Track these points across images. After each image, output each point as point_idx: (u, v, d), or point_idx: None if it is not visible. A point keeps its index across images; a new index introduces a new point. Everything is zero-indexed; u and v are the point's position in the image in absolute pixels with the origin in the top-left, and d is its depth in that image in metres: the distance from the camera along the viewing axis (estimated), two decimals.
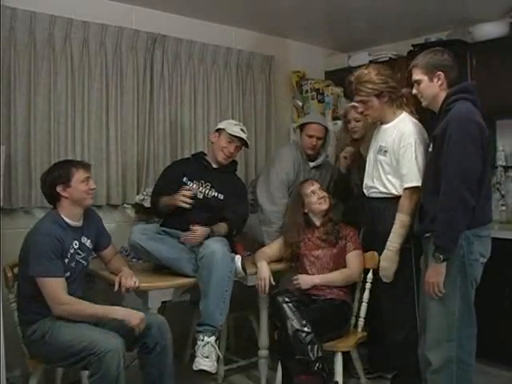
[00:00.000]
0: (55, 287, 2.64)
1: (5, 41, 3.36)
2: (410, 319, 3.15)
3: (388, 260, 3.07)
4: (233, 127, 3.49)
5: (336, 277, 3.30)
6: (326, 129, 3.85)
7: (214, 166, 3.52)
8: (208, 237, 3.20)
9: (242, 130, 3.51)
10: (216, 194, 3.44)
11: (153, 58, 4.02)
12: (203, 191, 3.43)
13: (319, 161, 3.89)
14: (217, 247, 3.04)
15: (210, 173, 3.49)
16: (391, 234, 3.07)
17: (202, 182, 3.44)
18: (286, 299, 3.05)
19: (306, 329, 2.93)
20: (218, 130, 3.52)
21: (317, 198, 3.41)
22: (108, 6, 3.84)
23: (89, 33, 3.69)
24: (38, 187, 3.40)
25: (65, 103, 3.62)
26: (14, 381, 3.34)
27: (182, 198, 3.22)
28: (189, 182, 3.42)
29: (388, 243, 3.07)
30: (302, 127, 3.87)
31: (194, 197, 3.33)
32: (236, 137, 3.46)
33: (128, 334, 2.69)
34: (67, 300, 2.67)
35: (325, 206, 3.41)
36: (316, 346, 2.91)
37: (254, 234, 3.82)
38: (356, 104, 3.63)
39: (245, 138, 3.51)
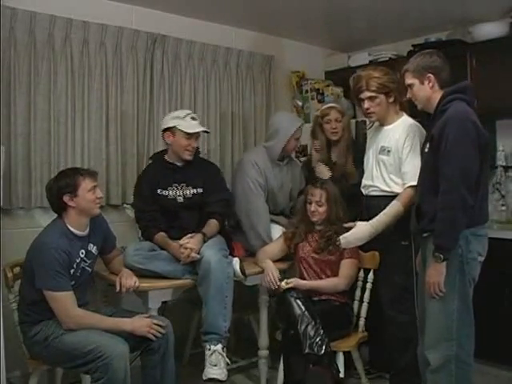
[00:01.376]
0: (65, 301, 2.64)
1: (5, 41, 3.35)
2: (409, 317, 3.16)
3: (361, 233, 3.08)
4: (184, 122, 3.29)
5: (322, 285, 3.28)
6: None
7: (179, 164, 3.40)
8: (204, 241, 3.15)
9: (193, 118, 3.34)
10: (195, 191, 3.38)
11: (153, 58, 4.02)
12: (181, 193, 3.36)
13: (288, 158, 3.84)
14: (211, 254, 3.01)
15: (179, 172, 3.39)
16: (381, 215, 3.09)
17: (176, 185, 3.36)
18: (295, 295, 3.04)
19: (315, 324, 2.92)
20: (170, 129, 3.31)
21: (310, 209, 3.38)
22: (108, 6, 3.83)
23: (89, 33, 3.68)
24: (38, 187, 3.44)
25: (65, 103, 3.62)
26: (14, 381, 3.33)
27: (186, 259, 3.06)
28: (164, 192, 3.34)
29: (373, 220, 3.08)
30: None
31: (174, 202, 3.32)
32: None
33: (132, 336, 2.70)
34: (77, 313, 2.67)
35: (313, 219, 3.38)
36: (326, 341, 2.90)
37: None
38: (335, 105, 3.67)
39: (201, 130, 3.35)
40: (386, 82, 3.19)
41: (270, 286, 3.27)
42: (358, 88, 3.24)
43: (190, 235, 3.13)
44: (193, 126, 3.31)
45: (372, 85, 3.18)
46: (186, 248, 3.06)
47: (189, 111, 3.42)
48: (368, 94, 3.20)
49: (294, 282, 3.20)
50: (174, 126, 3.30)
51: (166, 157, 3.43)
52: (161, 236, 3.24)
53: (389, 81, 3.20)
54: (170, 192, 3.35)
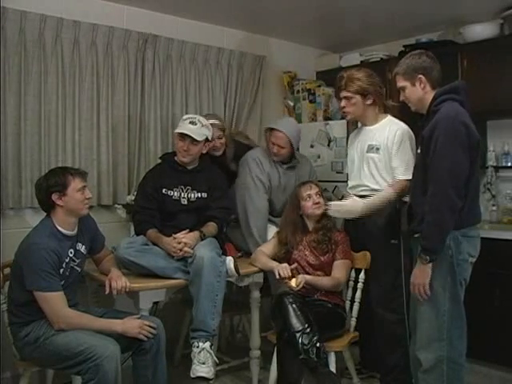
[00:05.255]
0: (55, 302, 2.63)
1: None
2: (397, 316, 3.17)
3: (353, 207, 3.18)
4: (181, 124, 3.35)
5: (324, 281, 3.26)
6: (289, 138, 3.63)
7: (188, 167, 3.42)
8: (202, 239, 3.19)
9: (191, 122, 3.34)
10: (199, 195, 3.40)
11: (144, 58, 4.01)
12: (186, 196, 3.37)
13: (293, 162, 3.79)
14: (204, 252, 3.02)
15: (187, 175, 3.41)
16: (374, 197, 3.17)
17: (182, 187, 3.38)
18: (291, 299, 3.01)
19: (311, 330, 2.89)
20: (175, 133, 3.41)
21: (312, 203, 3.38)
22: (99, 6, 3.82)
23: (79, 32, 3.67)
24: (29, 187, 3.42)
25: (55, 103, 3.60)
26: (4, 382, 3.32)
27: (178, 252, 3.10)
28: (169, 192, 3.35)
29: (367, 199, 3.17)
30: (269, 131, 3.72)
31: (178, 203, 3.34)
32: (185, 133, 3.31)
33: (123, 337, 2.70)
34: (68, 314, 2.66)
35: (318, 212, 3.38)
36: (321, 347, 2.88)
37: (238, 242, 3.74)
38: (215, 121, 3.67)
39: (189, 132, 3.29)
40: (364, 83, 3.23)
41: (285, 275, 3.21)
42: (339, 87, 3.32)
43: (186, 231, 3.18)
44: (182, 128, 3.33)
45: (349, 85, 3.24)
46: (179, 242, 3.09)
47: (192, 116, 3.46)
48: (344, 93, 3.27)
49: (303, 279, 3.17)
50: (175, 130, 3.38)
51: (176, 158, 3.45)
52: (154, 231, 3.26)
53: (368, 83, 3.23)
54: (175, 193, 3.37)
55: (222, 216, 3.42)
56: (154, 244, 3.22)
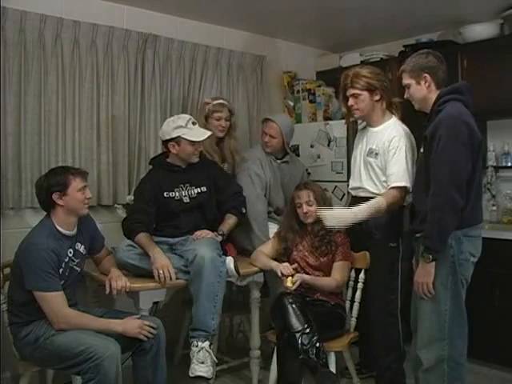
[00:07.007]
0: (56, 301, 2.62)
1: None
2: (392, 318, 3.18)
3: (343, 216, 3.00)
4: (187, 130, 3.27)
5: (323, 282, 3.26)
6: (280, 129, 3.73)
7: (183, 166, 3.40)
8: (222, 236, 3.29)
9: (193, 123, 3.32)
10: (199, 190, 3.40)
11: (144, 58, 4.00)
12: (187, 194, 3.36)
13: (286, 158, 3.88)
14: (205, 252, 3.01)
15: (182, 173, 3.39)
16: (363, 205, 3.02)
17: (181, 186, 3.36)
18: (291, 299, 3.01)
19: (311, 330, 2.89)
20: (174, 140, 3.28)
21: (302, 212, 3.37)
22: (99, 6, 3.82)
23: (79, 32, 3.66)
24: (29, 187, 3.42)
25: (55, 103, 3.60)
26: (4, 382, 3.31)
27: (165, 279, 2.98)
28: (171, 194, 3.33)
29: (355, 208, 3.02)
30: (264, 122, 3.84)
31: (181, 202, 3.33)
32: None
33: (123, 336, 2.70)
34: (68, 313, 2.66)
35: (309, 220, 3.37)
36: (321, 347, 2.88)
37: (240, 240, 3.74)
38: (225, 102, 3.69)
39: (207, 136, 3.33)
40: (370, 79, 3.19)
41: (288, 274, 3.21)
42: (344, 85, 3.28)
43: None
44: (198, 134, 3.31)
45: (356, 82, 3.20)
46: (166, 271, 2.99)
47: (188, 116, 3.39)
48: (352, 91, 3.23)
49: (299, 279, 3.17)
50: (179, 136, 3.28)
51: (168, 160, 3.41)
52: (147, 236, 3.16)
53: (374, 79, 3.20)
54: (177, 193, 3.35)
55: (236, 203, 3.48)
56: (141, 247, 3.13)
